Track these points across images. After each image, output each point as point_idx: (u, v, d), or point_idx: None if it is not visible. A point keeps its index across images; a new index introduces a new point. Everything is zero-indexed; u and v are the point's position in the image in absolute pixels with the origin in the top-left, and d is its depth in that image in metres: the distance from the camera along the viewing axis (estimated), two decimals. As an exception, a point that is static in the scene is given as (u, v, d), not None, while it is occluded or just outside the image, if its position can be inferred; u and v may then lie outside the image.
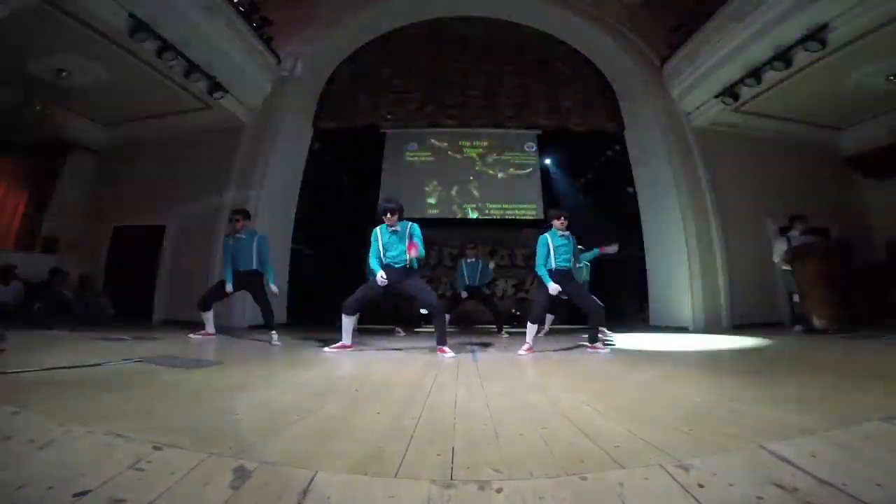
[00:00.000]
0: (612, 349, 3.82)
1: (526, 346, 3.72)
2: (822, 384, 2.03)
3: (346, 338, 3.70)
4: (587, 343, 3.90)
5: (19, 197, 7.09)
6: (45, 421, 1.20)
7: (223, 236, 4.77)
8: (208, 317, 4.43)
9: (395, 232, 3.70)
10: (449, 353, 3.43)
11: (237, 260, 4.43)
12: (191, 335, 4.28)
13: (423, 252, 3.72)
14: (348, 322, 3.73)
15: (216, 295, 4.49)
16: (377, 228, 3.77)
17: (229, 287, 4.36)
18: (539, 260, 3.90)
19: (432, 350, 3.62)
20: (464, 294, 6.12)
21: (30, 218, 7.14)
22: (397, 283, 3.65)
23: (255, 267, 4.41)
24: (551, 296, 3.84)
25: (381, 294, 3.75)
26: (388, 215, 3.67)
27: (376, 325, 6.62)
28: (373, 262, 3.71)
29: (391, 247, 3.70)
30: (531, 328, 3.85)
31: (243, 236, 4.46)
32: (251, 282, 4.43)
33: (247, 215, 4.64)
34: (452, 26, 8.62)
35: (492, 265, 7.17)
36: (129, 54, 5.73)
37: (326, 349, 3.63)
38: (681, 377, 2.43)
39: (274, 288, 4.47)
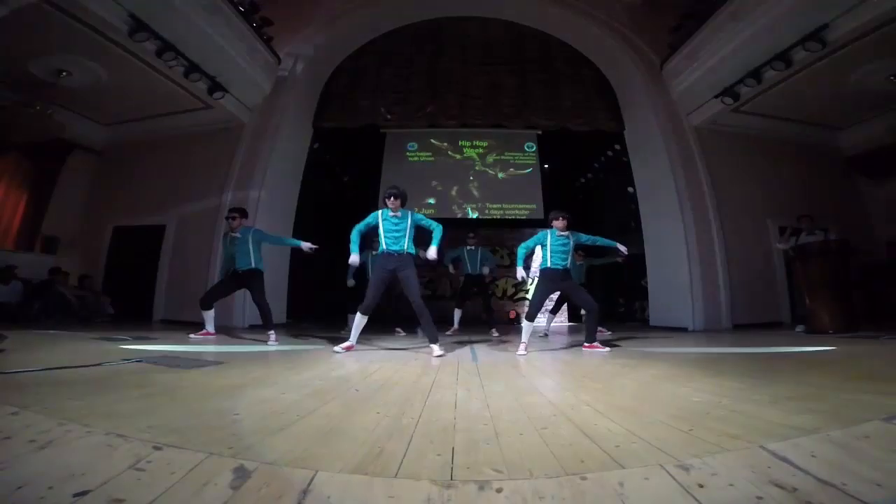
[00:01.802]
0: (609, 350, 3.81)
1: (522, 345, 3.72)
2: (822, 384, 2.03)
3: (353, 338, 3.72)
4: (585, 342, 3.90)
5: (19, 197, 7.10)
6: (45, 421, 1.20)
7: (223, 235, 4.77)
8: (209, 316, 4.42)
9: (396, 217, 3.74)
10: (437, 352, 3.43)
11: (236, 259, 4.42)
12: (191, 335, 4.28)
13: (437, 240, 3.78)
14: (359, 321, 3.74)
15: (216, 293, 4.50)
16: (379, 211, 3.80)
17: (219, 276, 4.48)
18: (528, 243, 4.04)
19: (433, 350, 3.62)
20: (460, 277, 6.35)
21: (30, 218, 7.15)
22: (394, 270, 3.70)
23: (252, 266, 4.40)
24: (544, 295, 3.92)
25: (388, 281, 3.75)
26: (392, 199, 3.72)
27: (377, 326, 6.61)
28: (354, 234, 3.77)
29: (390, 233, 3.74)
30: (526, 326, 3.87)
31: (238, 235, 4.44)
32: (249, 280, 4.42)
33: (244, 213, 4.60)
34: (452, 26, 8.62)
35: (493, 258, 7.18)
36: (129, 54, 5.74)
37: (336, 349, 3.62)
38: (681, 377, 2.42)
39: (306, 245, 4.34)
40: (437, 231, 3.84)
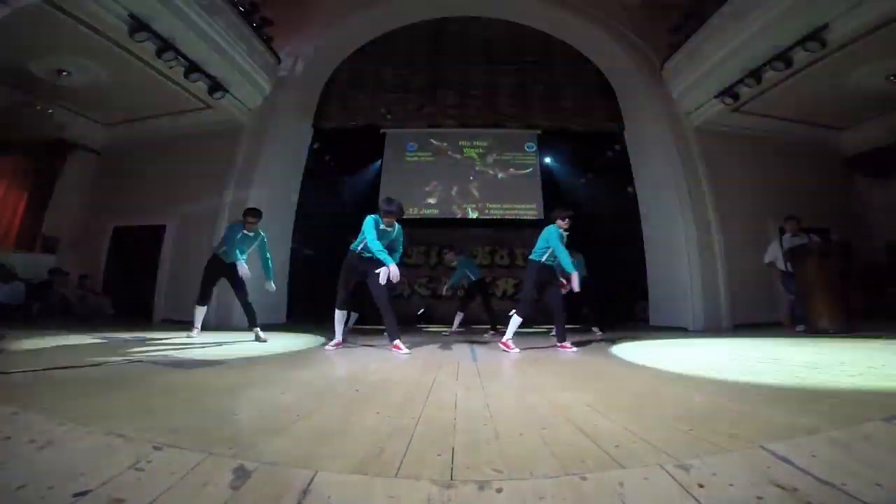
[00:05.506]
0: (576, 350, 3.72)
1: (510, 341, 3.70)
2: (822, 384, 2.03)
3: (338, 334, 3.84)
4: (556, 342, 3.85)
5: (19, 197, 7.10)
6: (45, 421, 1.20)
7: (240, 228, 4.70)
8: (201, 312, 4.61)
9: (385, 232, 3.77)
10: (403, 350, 3.47)
11: (233, 250, 4.51)
12: (188, 335, 4.36)
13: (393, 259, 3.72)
14: (338, 317, 3.86)
15: (207, 285, 4.68)
16: (373, 217, 3.73)
17: (243, 266, 4.41)
18: (560, 248, 3.75)
19: (432, 350, 3.62)
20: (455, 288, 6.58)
21: (30, 218, 7.15)
22: (365, 272, 3.72)
23: (236, 260, 4.47)
24: (538, 289, 3.88)
25: (357, 278, 3.79)
26: (390, 216, 3.73)
27: (376, 325, 6.61)
28: (380, 248, 3.62)
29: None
30: (514, 321, 3.82)
31: (250, 234, 4.61)
32: (235, 274, 4.49)
33: (259, 215, 4.71)
34: (452, 26, 8.62)
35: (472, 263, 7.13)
36: (129, 54, 5.74)
37: (328, 347, 3.72)
38: (681, 377, 2.42)
39: (272, 286, 4.71)
40: (396, 257, 3.78)
